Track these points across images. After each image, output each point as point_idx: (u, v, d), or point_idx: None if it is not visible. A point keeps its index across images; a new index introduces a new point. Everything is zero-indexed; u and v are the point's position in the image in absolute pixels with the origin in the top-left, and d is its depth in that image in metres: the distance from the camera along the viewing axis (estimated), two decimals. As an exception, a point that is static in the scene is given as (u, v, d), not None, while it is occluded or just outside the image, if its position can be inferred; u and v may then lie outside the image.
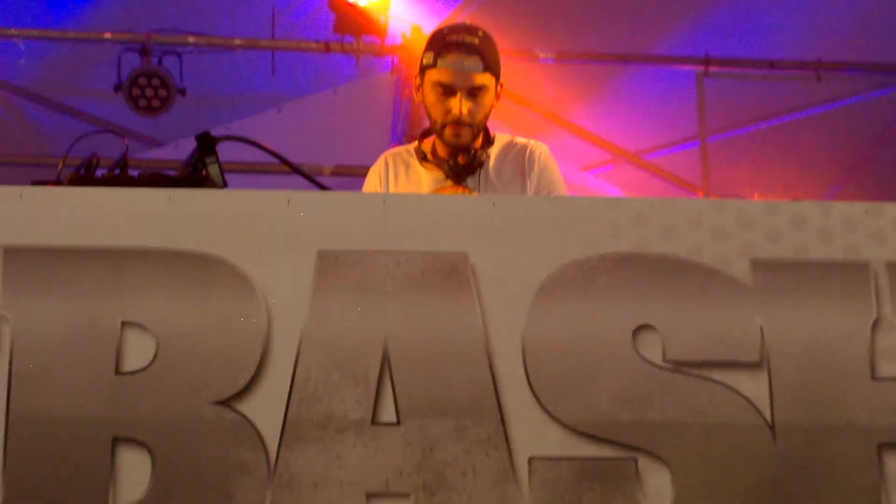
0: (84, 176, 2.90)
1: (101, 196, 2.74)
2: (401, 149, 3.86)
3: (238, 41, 7.51)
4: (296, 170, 3.22)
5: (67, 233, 2.63)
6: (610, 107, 7.62)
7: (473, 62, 3.59)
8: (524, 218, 2.73)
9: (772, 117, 7.66)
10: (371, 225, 2.69)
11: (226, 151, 3.04)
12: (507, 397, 2.59)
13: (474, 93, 3.61)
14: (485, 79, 3.61)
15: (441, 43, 3.63)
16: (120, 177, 2.92)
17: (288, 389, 2.57)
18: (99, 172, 2.92)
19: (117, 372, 2.56)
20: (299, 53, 7.67)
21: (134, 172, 2.92)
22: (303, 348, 2.59)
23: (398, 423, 2.57)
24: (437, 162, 3.70)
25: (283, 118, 7.25)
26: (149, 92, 7.27)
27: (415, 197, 3.43)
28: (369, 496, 2.53)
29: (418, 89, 3.70)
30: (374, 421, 2.57)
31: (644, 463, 2.59)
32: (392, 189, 3.74)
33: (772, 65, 7.51)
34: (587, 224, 2.70)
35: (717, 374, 2.64)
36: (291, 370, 2.58)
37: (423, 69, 3.66)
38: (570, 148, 7.32)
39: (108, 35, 7.39)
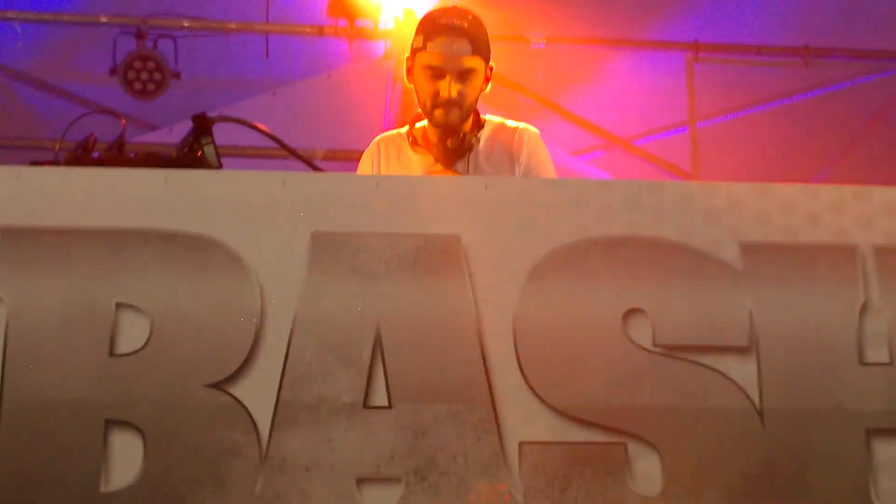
0: (81, 156, 2.88)
1: (98, 176, 2.72)
2: (392, 133, 3.84)
3: (232, 25, 7.48)
4: (291, 151, 3.20)
5: (64, 213, 2.61)
6: (600, 92, 7.61)
7: (462, 45, 3.58)
8: (516, 200, 2.72)
9: (761, 103, 7.66)
10: (364, 207, 2.68)
11: (221, 134, 3.02)
12: (499, 381, 2.58)
13: (463, 75, 3.59)
14: (473, 62, 3.59)
15: (431, 26, 3.62)
16: (117, 157, 2.90)
17: (280, 372, 2.55)
18: (95, 154, 2.90)
19: (111, 354, 2.54)
20: (293, 37, 7.65)
21: (130, 154, 2.90)
22: (296, 330, 2.57)
23: (390, 406, 2.56)
24: (427, 146, 3.68)
25: (278, 102, 7.23)
26: (144, 75, 7.25)
27: (407, 179, 3.42)
28: (360, 481, 2.52)
29: (409, 73, 3.68)
30: (365, 404, 2.55)
31: (634, 447, 2.58)
32: (384, 173, 3.73)
33: (760, 50, 7.50)
34: (578, 207, 2.69)
35: (707, 359, 2.63)
36: (284, 353, 2.56)
37: (414, 52, 3.65)
38: (560, 133, 7.30)
39: (103, 18, 7.36)
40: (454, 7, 3.87)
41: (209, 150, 2.99)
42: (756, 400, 2.61)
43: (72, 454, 2.49)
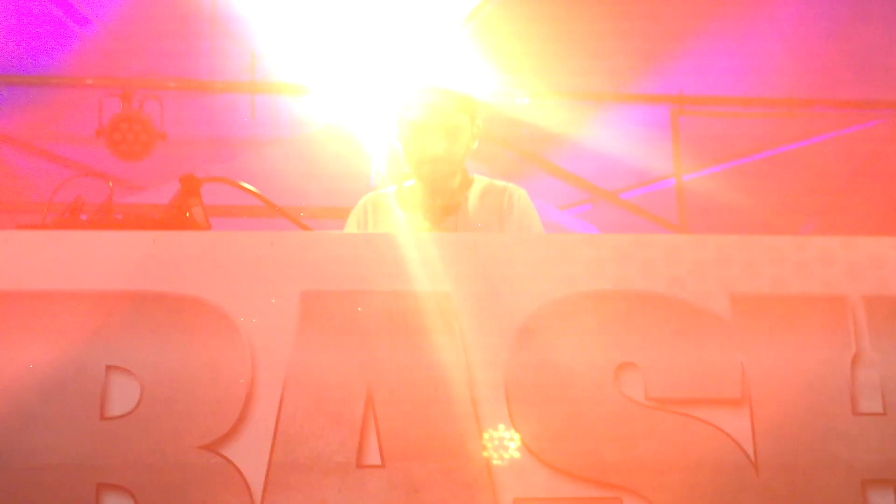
0: (69, 219, 2.89)
1: (86, 239, 2.73)
2: (380, 193, 3.86)
3: (218, 85, 7.52)
4: (278, 210, 3.21)
5: (53, 277, 2.62)
6: (587, 146, 7.65)
7: (447, 103, 3.62)
8: (505, 257, 2.73)
9: (747, 155, 7.71)
10: (354, 265, 2.68)
11: (209, 194, 3.04)
12: (492, 440, 2.57)
13: (449, 132, 3.62)
14: (459, 118, 3.62)
15: (418, 86, 3.65)
16: (105, 220, 2.91)
17: (273, 433, 2.55)
18: (83, 216, 2.91)
19: (102, 417, 2.54)
20: (279, 96, 7.68)
21: (118, 216, 2.91)
22: (287, 391, 2.58)
23: (383, 465, 2.55)
24: (416, 204, 3.69)
25: (264, 161, 7.26)
26: (130, 136, 7.26)
27: (397, 237, 3.42)
28: (355, 540, 2.53)
29: (397, 130, 3.71)
30: (358, 463, 2.55)
31: (629, 502, 2.57)
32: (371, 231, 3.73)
33: (745, 102, 7.55)
34: (568, 262, 2.70)
35: (700, 412, 2.63)
36: (276, 413, 2.56)
37: (401, 111, 3.67)
38: (547, 187, 7.34)
39: (88, 80, 7.38)
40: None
41: (197, 211, 3.00)
42: (750, 452, 2.61)
43: (63, 519, 2.48)
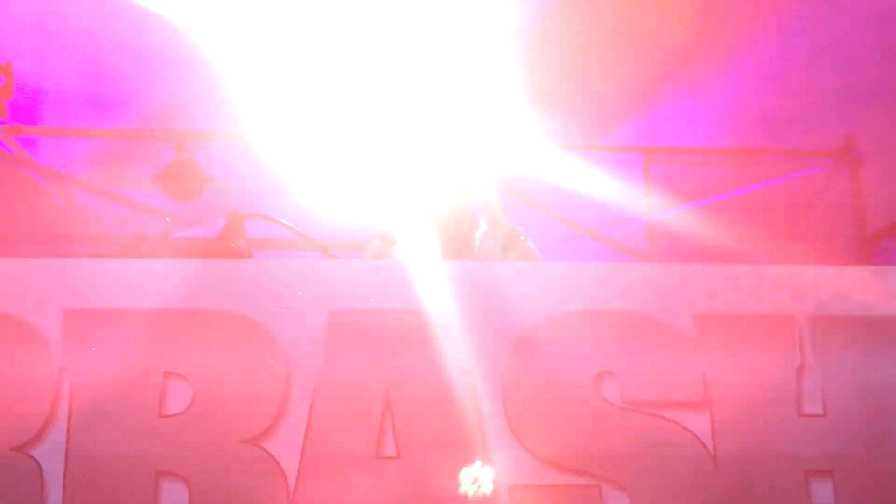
0: (132, 249, 2.92)
1: (147, 266, 2.76)
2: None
3: (258, 136, 7.54)
4: (310, 242, 3.23)
5: (119, 297, 2.63)
6: (570, 188, 7.66)
7: (463, 205, 3.59)
8: (503, 281, 2.75)
9: (707, 196, 7.71)
10: (374, 288, 2.70)
11: (251, 227, 3.06)
12: (491, 434, 2.58)
13: (461, 219, 3.60)
14: (468, 212, 3.60)
15: (440, 186, 3.63)
16: (162, 249, 2.93)
17: (305, 429, 2.56)
18: (144, 247, 2.93)
19: (160, 415, 2.55)
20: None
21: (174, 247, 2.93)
22: (317, 394, 2.59)
23: (398, 456, 2.56)
24: (433, 245, 3.68)
25: (298, 203, 7.25)
26: (182, 181, 7.27)
27: (410, 264, 3.43)
28: (374, 522, 2.52)
29: (427, 208, 3.67)
30: (377, 455, 2.56)
31: (607, 489, 2.58)
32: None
33: (705, 152, 7.55)
34: (556, 285, 2.72)
35: (667, 413, 2.64)
36: (307, 413, 2.57)
37: (428, 201, 3.64)
38: (537, 223, 7.33)
39: (148, 132, 7.41)
40: None
41: (241, 242, 3.03)
42: (710, 447, 2.61)
43: (129, 500, 2.49)
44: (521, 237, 3.66)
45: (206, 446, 2.53)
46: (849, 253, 7.02)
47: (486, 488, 2.54)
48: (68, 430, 2.51)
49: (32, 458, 2.49)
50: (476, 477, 2.56)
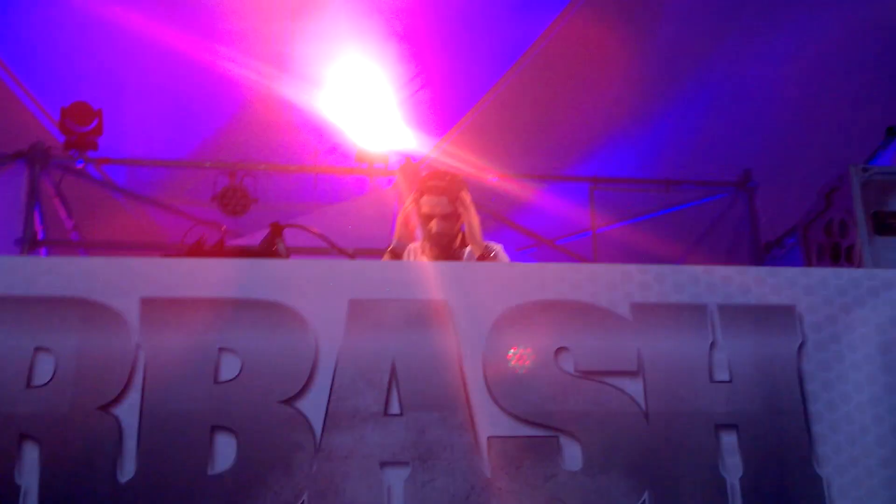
0: (195, 251, 2.89)
1: (207, 264, 2.73)
2: (415, 244, 3.81)
3: (293, 167, 7.53)
4: (334, 247, 3.21)
5: (184, 288, 2.61)
6: (534, 208, 7.67)
7: (441, 201, 3.59)
8: (483, 278, 2.73)
9: (638, 216, 7.73)
10: (385, 282, 2.67)
11: (288, 238, 3.04)
12: (474, 396, 2.56)
13: (444, 218, 3.60)
14: (450, 208, 3.60)
15: (423, 187, 3.64)
16: (219, 251, 2.91)
17: (328, 392, 2.54)
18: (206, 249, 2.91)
19: (215, 381, 2.53)
20: (332, 175, 7.70)
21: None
22: (338, 364, 2.56)
23: (402, 414, 2.54)
24: (430, 256, 3.68)
25: (324, 218, 7.24)
26: (234, 201, 7.25)
27: (415, 264, 3.43)
28: (382, 464, 2.50)
29: (415, 212, 3.68)
30: (385, 413, 2.54)
31: (563, 439, 2.56)
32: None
33: (637, 182, 7.57)
34: (525, 280, 2.70)
35: (610, 380, 2.63)
36: (331, 379, 2.55)
37: (414, 202, 3.66)
38: (507, 236, 7.33)
39: (207, 164, 7.39)
40: (438, 171, 3.90)
41: (281, 247, 3.00)
42: (643, 406, 2.60)
43: (189, 450, 2.46)
44: (493, 254, 3.65)
45: (250, 406, 2.51)
46: (746, 259, 7.05)
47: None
48: (142, 394, 2.49)
49: (114, 415, 2.46)
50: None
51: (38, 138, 6.81)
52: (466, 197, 3.66)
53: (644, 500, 2.52)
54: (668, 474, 2.54)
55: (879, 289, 2.73)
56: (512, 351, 2.59)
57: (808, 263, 4.26)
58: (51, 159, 6.80)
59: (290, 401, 2.52)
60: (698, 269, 2.76)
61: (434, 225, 3.61)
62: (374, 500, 2.45)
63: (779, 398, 2.64)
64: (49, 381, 2.46)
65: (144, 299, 2.56)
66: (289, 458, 2.47)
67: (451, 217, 3.62)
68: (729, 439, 2.60)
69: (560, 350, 2.63)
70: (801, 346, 2.67)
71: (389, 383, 2.55)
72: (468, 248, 3.71)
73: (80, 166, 6.95)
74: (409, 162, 6.98)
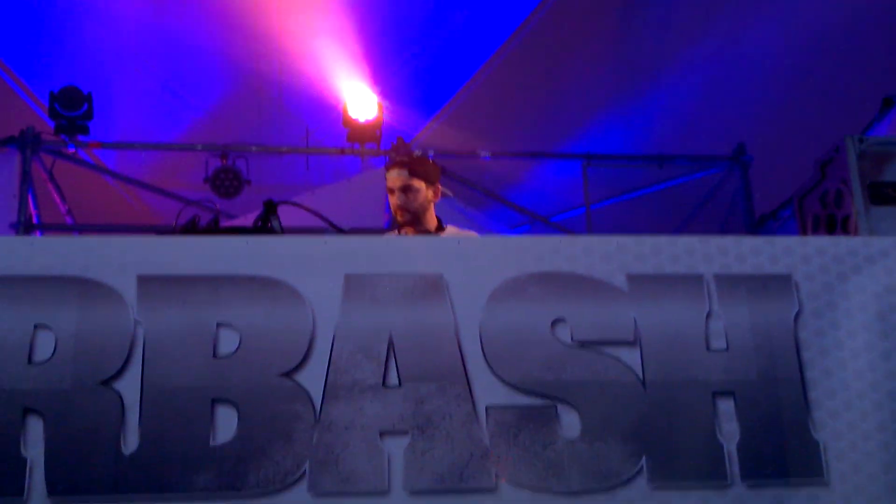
0: (190, 228, 2.90)
1: (202, 241, 2.74)
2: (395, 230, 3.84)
3: (285, 148, 7.52)
4: (327, 222, 3.22)
5: (180, 264, 2.62)
6: (527, 185, 7.68)
7: (402, 172, 3.61)
8: (479, 251, 2.74)
9: (631, 191, 7.75)
10: (380, 257, 2.68)
11: (282, 218, 3.04)
12: (471, 367, 2.58)
13: (404, 191, 3.61)
14: (411, 182, 3.60)
15: (389, 163, 3.70)
16: (214, 229, 2.91)
17: (327, 364, 2.55)
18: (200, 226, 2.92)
19: (214, 356, 2.54)
20: (324, 156, 7.69)
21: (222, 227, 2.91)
22: (336, 338, 2.57)
23: (400, 385, 2.55)
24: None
25: (315, 199, 7.24)
26: (226, 183, 7.25)
27: (409, 238, 3.45)
28: (381, 433, 2.52)
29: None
30: (384, 384, 2.55)
31: (561, 408, 2.57)
32: None
33: (630, 158, 7.59)
34: (520, 253, 2.71)
35: (607, 349, 2.63)
36: (329, 352, 2.56)
37: (385, 177, 3.70)
38: (501, 213, 7.35)
39: (198, 146, 7.38)
40: (407, 150, 3.94)
41: (275, 223, 3.01)
42: (640, 375, 2.62)
43: (190, 422, 2.48)
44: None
45: (250, 379, 2.52)
46: (741, 231, 7.08)
47: None
48: (142, 368, 2.50)
49: (115, 389, 2.48)
50: None
51: (28, 123, 6.79)
52: (433, 177, 3.65)
53: (641, 466, 2.54)
54: (665, 441, 2.56)
55: (876, 257, 2.74)
56: None
57: (804, 234, 4.28)
58: (42, 144, 6.79)
59: (289, 374, 2.54)
60: (694, 240, 2.75)
61: (395, 198, 3.63)
62: (375, 469, 2.47)
63: (775, 366, 2.65)
64: (50, 358, 2.47)
65: (141, 277, 2.57)
66: (289, 430, 2.49)
67: (411, 190, 3.61)
68: (726, 406, 2.61)
69: (557, 321, 2.64)
70: (797, 315, 2.68)
71: (387, 356, 2.56)
72: (448, 231, 3.71)
73: (71, 151, 6.94)
74: (401, 141, 6.98)
